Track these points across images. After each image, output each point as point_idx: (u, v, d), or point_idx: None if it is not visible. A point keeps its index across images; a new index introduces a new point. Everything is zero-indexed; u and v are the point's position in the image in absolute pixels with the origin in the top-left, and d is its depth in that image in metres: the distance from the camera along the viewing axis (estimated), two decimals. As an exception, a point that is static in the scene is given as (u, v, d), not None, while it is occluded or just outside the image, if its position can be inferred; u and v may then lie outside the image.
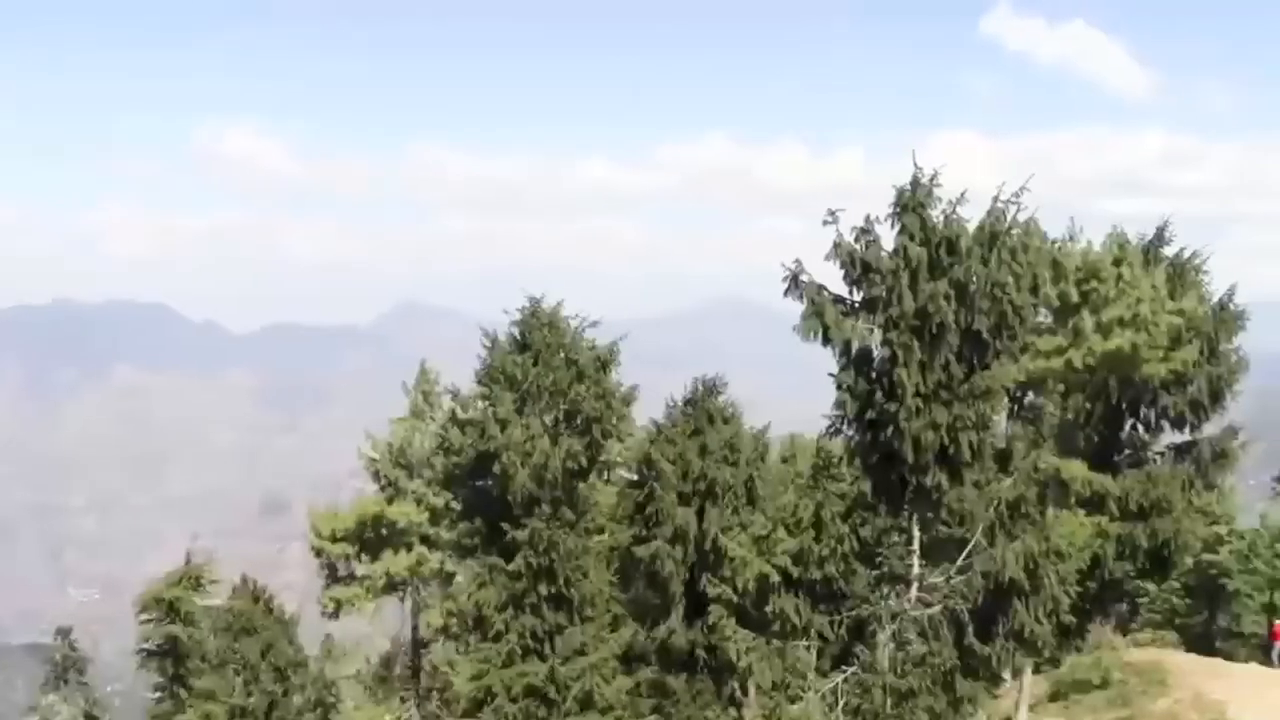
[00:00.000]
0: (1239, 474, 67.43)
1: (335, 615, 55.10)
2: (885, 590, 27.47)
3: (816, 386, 27.04)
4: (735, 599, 32.49)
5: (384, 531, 53.51)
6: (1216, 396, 41.48)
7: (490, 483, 34.73)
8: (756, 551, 29.46)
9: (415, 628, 56.85)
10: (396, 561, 53.04)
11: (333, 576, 55.02)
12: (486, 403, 35.01)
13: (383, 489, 54.37)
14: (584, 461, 34.57)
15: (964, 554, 27.24)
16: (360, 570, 54.83)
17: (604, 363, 35.61)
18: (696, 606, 36.28)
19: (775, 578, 28.20)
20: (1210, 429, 43.03)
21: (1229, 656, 65.90)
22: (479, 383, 35.68)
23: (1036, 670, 43.52)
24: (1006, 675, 33.80)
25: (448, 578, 53.68)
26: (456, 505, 43.66)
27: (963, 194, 26.52)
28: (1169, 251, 42.89)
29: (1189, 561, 70.22)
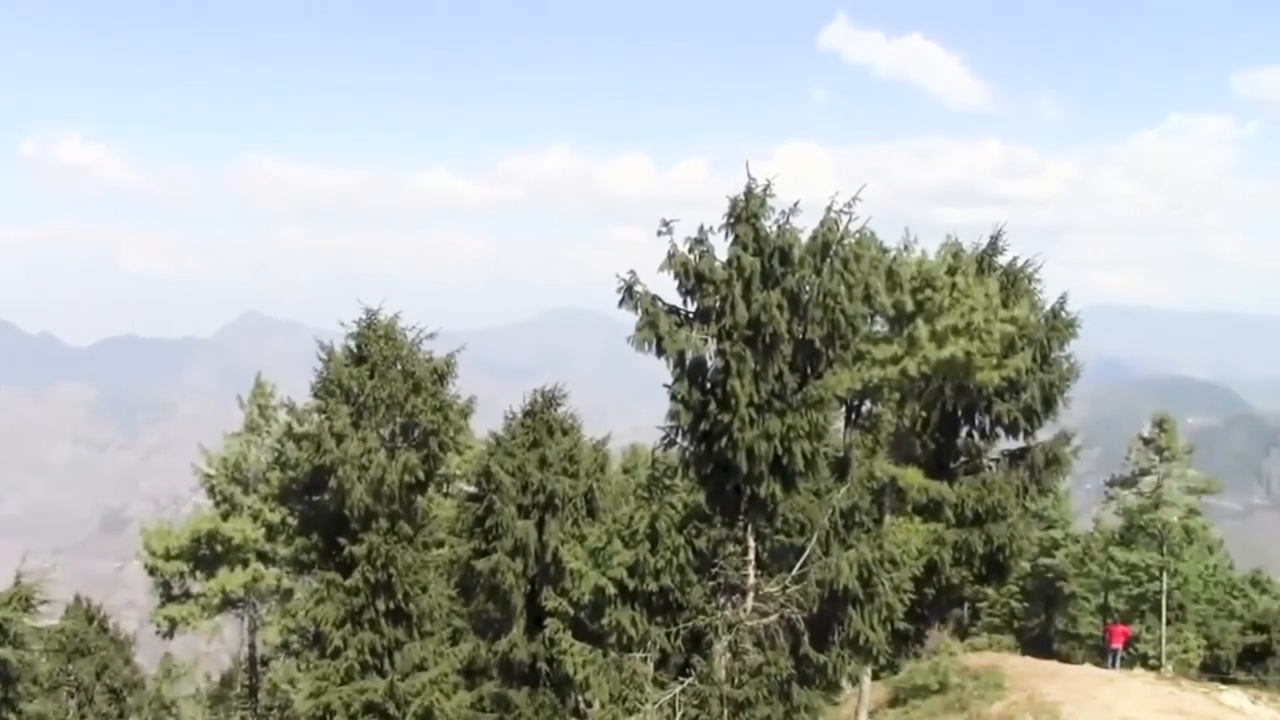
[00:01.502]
0: (1074, 479, 68.81)
1: (170, 635, 54.22)
2: (721, 601, 27.47)
3: (661, 395, 26.99)
4: (572, 612, 32.26)
5: (219, 548, 52.78)
6: (1049, 403, 42.09)
7: (327, 497, 34.12)
8: (593, 564, 29.23)
9: (253, 645, 56.13)
10: (232, 579, 52.31)
11: (167, 595, 54.11)
12: (322, 416, 34.40)
13: (218, 505, 53.65)
14: (422, 475, 34.06)
15: (799, 563, 27.32)
16: (196, 588, 54.02)
17: (441, 374, 35.18)
18: (538, 619, 36.06)
19: (611, 590, 28.01)
20: (1044, 435, 43.65)
21: (1066, 658, 67.44)
22: (315, 396, 35.06)
23: (876, 676, 43.94)
24: (845, 682, 33.96)
25: (285, 594, 53.04)
26: (293, 520, 43.07)
27: (795, 204, 26.60)
28: (1002, 260, 43.48)
29: (1025, 566, 71.73)
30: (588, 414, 44.47)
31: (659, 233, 26.24)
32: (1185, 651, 70.09)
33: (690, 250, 26.42)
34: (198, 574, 53.51)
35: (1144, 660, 66.22)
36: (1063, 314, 43.02)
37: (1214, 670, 69.51)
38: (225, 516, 52.89)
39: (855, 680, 39.86)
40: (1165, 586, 68.70)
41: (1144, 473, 66.79)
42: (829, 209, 26.60)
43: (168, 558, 52.78)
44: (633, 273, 26.55)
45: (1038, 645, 75.78)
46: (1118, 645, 60.96)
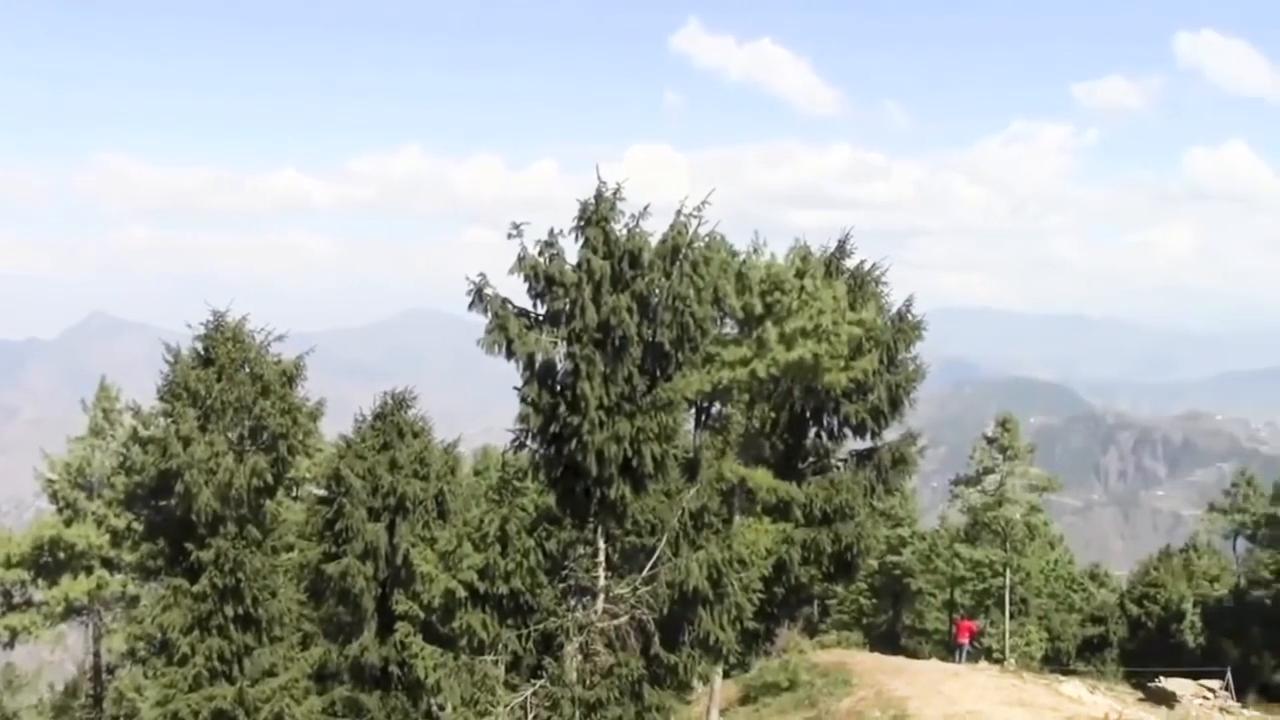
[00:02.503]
0: (920, 478, 69.91)
1: (10, 644, 52.88)
2: (572, 603, 27.52)
3: (514, 398, 26.97)
4: (423, 615, 32.10)
5: (62, 555, 51.55)
6: (896, 403, 42.66)
7: (173, 502, 33.47)
8: (443, 567, 29.10)
9: (98, 654, 55.01)
10: (76, 586, 51.14)
11: (8, 604, 52.80)
12: (168, 420, 33.77)
13: (61, 510, 52.48)
14: (270, 478, 33.60)
15: (650, 564, 27.46)
16: (38, 596, 52.78)
17: (290, 377, 34.72)
18: (389, 623, 35.82)
19: (462, 593, 27.94)
20: (890, 435, 44.25)
21: (914, 653, 68.61)
22: (161, 399, 34.39)
23: (727, 675, 44.29)
24: (696, 682, 34.18)
25: (131, 601, 51.99)
26: (138, 526, 42.32)
27: (646, 207, 26.71)
28: (850, 263, 44.02)
29: (873, 564, 72.90)
30: (440, 416, 44.29)
31: (509, 235, 26.21)
32: (1028, 644, 71.63)
33: (540, 253, 26.42)
34: (39, 582, 52.17)
35: (989, 654, 67.49)
36: (909, 316, 43.63)
37: (1055, 662, 71.21)
38: (68, 522, 51.67)
39: (706, 679, 40.07)
40: (1009, 582, 70.12)
41: (988, 471, 68.12)
42: (679, 212, 26.76)
43: (8, 565, 51.42)
44: (483, 275, 26.51)
45: (886, 641, 76.94)
46: (964, 640, 62.05)
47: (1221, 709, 50.90)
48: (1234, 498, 77.72)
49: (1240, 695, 55.88)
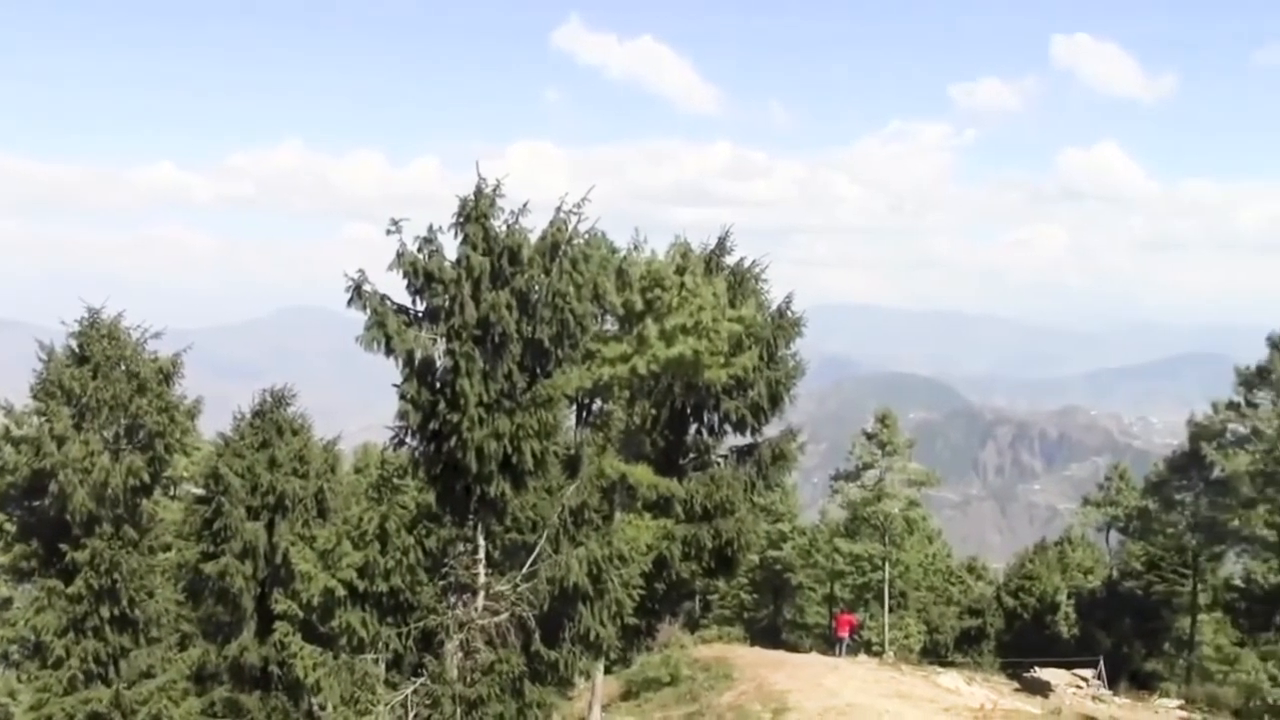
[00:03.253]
0: (801, 473, 70.33)
1: (-122, 650, 51.58)
2: (452, 600, 27.42)
3: (395, 395, 26.81)
4: (302, 614, 31.86)
5: (-73, 558, 50.37)
6: (776, 400, 43.01)
7: (47, 502, 32.99)
8: (323, 565, 28.90)
9: (-33, 659, 53.80)
10: (-56, 589, 50.01)
11: (-126, 608, 51.50)
12: (42, 418, 33.27)
13: (-74, 513, 51.28)
14: (147, 477, 33.18)
15: (530, 561, 27.47)
16: (-97, 601, 51.57)
17: (167, 375, 34.34)
18: (268, 622, 35.52)
19: (341, 591, 27.76)
20: (771, 431, 44.60)
21: (794, 647, 69.18)
22: (34, 397, 33.87)
23: (608, 671, 44.39)
24: (577, 678, 34.24)
25: (4, 603, 50.96)
26: (10, 527, 41.47)
27: (525, 204, 26.69)
28: (730, 260, 44.32)
29: (754, 559, 73.35)
30: (321, 414, 43.97)
31: (388, 232, 26.05)
32: (907, 637, 72.54)
33: (419, 249, 26.28)
34: (-97, 586, 51.10)
35: (868, 647, 68.23)
36: (789, 313, 44.03)
37: (934, 654, 72.19)
38: (-65, 525, 50.66)
39: (587, 675, 40.17)
40: (888, 575, 70.93)
41: (867, 466, 68.90)
42: (558, 209, 26.78)
43: (-125, 568, 50.32)
44: (361, 272, 26.32)
45: (767, 635, 77.47)
46: (844, 633, 62.71)
47: (1094, 697, 51.86)
48: (1107, 491, 79.14)
49: (1112, 684, 56.97)
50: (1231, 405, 59.82)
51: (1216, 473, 60.91)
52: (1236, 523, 58.19)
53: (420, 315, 26.71)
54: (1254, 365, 58.58)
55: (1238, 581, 65.83)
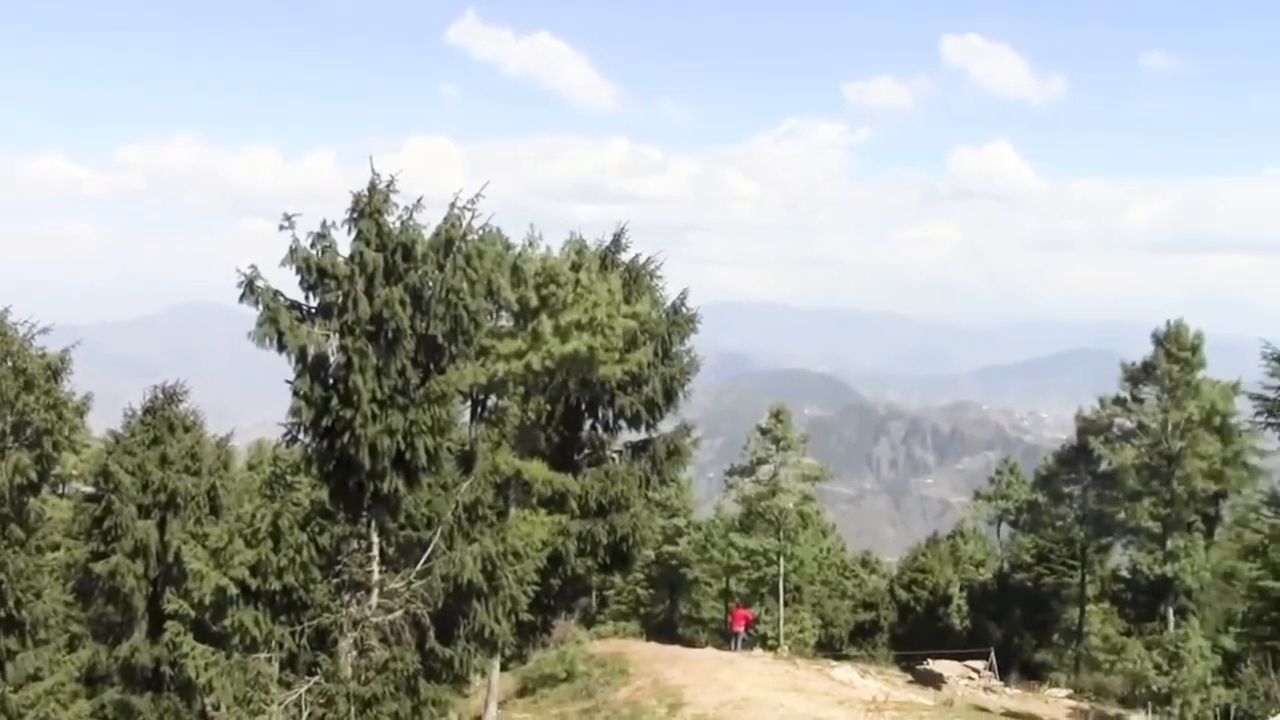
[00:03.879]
0: (696, 468, 70.56)
1: None
2: (346, 598, 27.29)
3: (289, 391, 26.61)
4: (194, 614, 31.53)
5: None
6: (670, 396, 43.25)
7: (-70, 503, 32.45)
8: (214, 564, 28.61)
9: None
10: None
11: None
12: (-76, 416, 32.68)
13: None
14: (35, 475, 32.61)
15: (424, 558, 27.41)
16: None
17: (55, 371, 33.75)
18: (160, 622, 35.06)
19: (233, 590, 27.49)
20: (666, 427, 44.83)
21: (690, 642, 69.38)
22: (-84, 395, 33.24)
23: (504, 668, 44.29)
24: (473, 675, 34.16)
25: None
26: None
27: (419, 200, 26.63)
28: (625, 257, 44.51)
29: (649, 554, 73.42)
30: (216, 410, 43.60)
31: (281, 227, 25.88)
32: (802, 631, 72.87)
33: (312, 245, 26.13)
34: None
35: (764, 641, 68.55)
36: (683, 309, 44.31)
37: (828, 647, 72.71)
38: None
39: (483, 672, 40.13)
40: (783, 570, 71.31)
41: (762, 462, 69.18)
42: (453, 205, 26.73)
43: None
44: (254, 267, 26.11)
45: (663, 630, 77.59)
46: (739, 628, 63.00)
47: (986, 688, 52.60)
48: (998, 485, 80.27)
49: (1003, 674, 57.84)
50: (1118, 400, 60.83)
51: (1104, 466, 61.91)
52: (1123, 515, 59.17)
53: (313, 311, 26.54)
54: (1140, 361, 59.63)
55: (1124, 573, 66.84)
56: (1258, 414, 40.66)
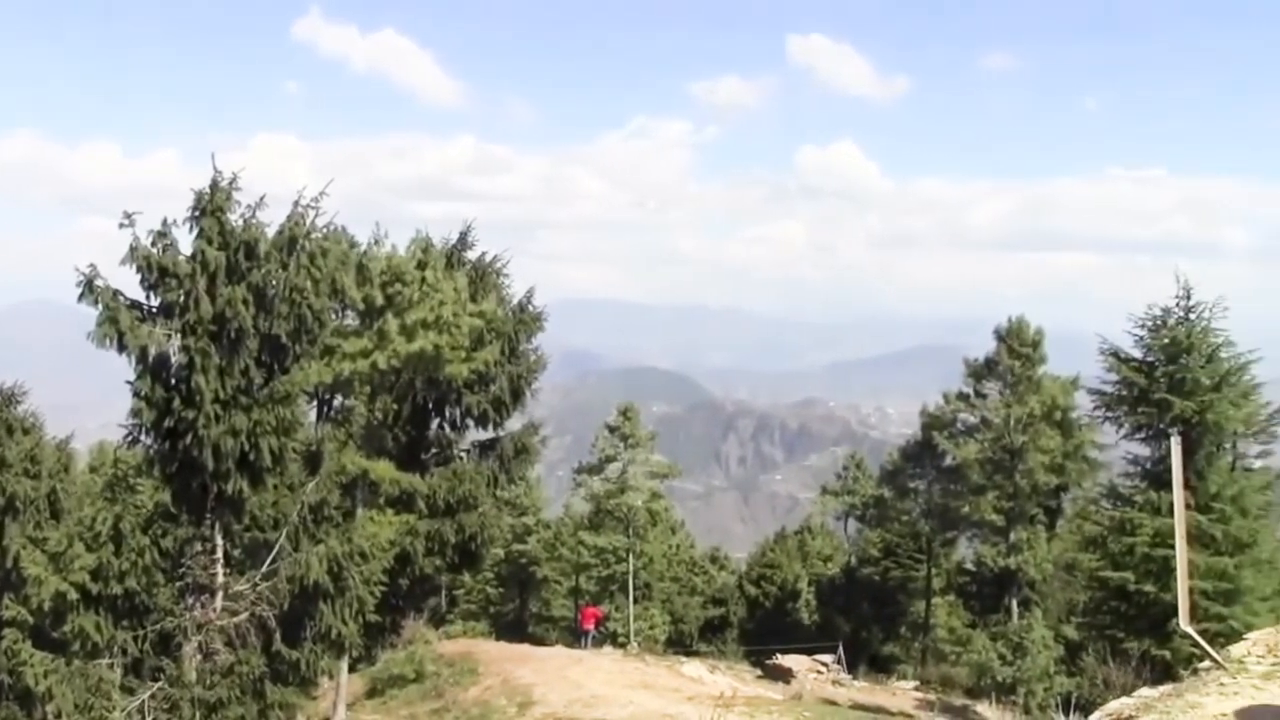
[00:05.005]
0: (546, 467, 70.53)
1: None
2: (190, 601, 26.96)
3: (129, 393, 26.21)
4: (33, 620, 30.89)
5: None
6: (517, 394, 43.27)
7: None
8: (54, 568, 28.07)
9: None
10: None
11: None
12: None
13: None
14: None
15: (269, 560, 27.18)
16: None
17: (-115, 373, 32.96)
18: (-1, 631, 34.36)
19: (74, 595, 26.99)
20: (513, 425, 44.84)
21: (540, 640, 69.34)
22: None
23: (353, 669, 43.97)
24: (322, 677, 33.89)
25: None
26: None
27: (263, 198, 26.43)
28: (472, 255, 44.45)
29: (499, 553, 73.37)
30: (58, 411, 42.82)
31: (121, 225, 25.52)
32: (651, 628, 73.25)
33: (153, 244, 25.79)
34: None
35: (614, 638, 68.79)
36: (530, 307, 44.35)
37: (678, 644, 73.14)
38: None
39: (331, 674, 39.82)
40: (632, 567, 71.62)
41: (610, 459, 69.46)
42: (297, 203, 26.58)
43: None
44: (93, 266, 25.72)
45: (513, 629, 77.60)
46: (589, 626, 63.16)
47: (834, 682, 53.37)
48: (845, 480, 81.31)
49: (851, 668, 58.76)
50: (961, 396, 62.17)
51: (948, 461, 63.25)
52: (967, 509, 60.53)
53: (154, 311, 26.20)
54: (982, 357, 60.97)
55: (969, 565, 68.33)
56: (1096, 408, 41.70)
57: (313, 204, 26.53)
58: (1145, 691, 11.93)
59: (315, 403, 41.05)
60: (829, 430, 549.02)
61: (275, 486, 27.44)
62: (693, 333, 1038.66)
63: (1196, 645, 12.89)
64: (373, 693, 47.71)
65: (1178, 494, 12.93)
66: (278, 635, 27.20)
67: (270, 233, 26.34)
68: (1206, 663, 11.98)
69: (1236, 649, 12.64)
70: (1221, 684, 11.06)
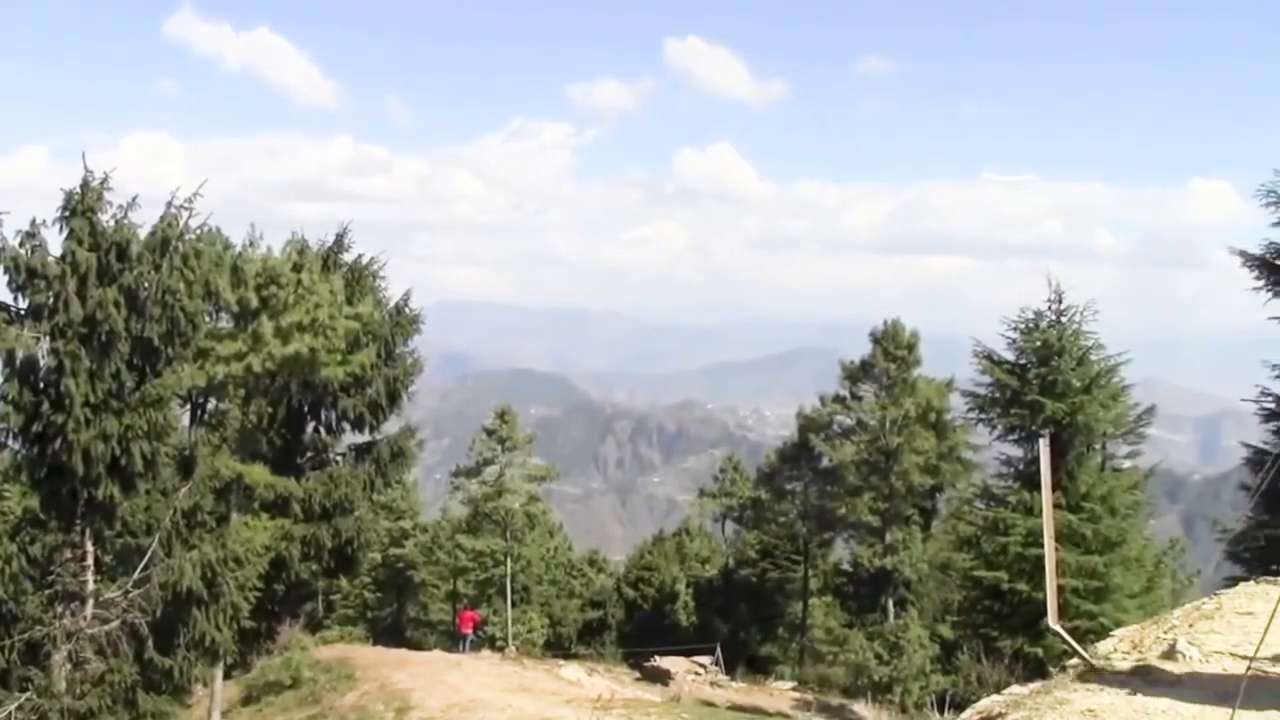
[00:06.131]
0: (424, 470, 70.20)
1: None
2: (60, 609, 26.45)
3: None
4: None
5: None
6: (394, 397, 43.04)
7: None
8: (-84, 579, 27.48)
9: None
10: None
11: None
12: None
13: None
14: None
15: (142, 566, 26.76)
16: None
17: None
18: None
19: (-64, 605, 26.44)
20: (390, 428, 44.60)
21: (419, 645, 68.98)
22: None
23: (228, 676, 43.47)
24: (196, 685, 33.42)
25: None
26: None
27: (135, 198, 26.03)
28: (348, 257, 44.13)
29: (376, 557, 72.93)
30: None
31: (-15, 226, 25.01)
32: (530, 631, 73.15)
33: (21, 244, 25.28)
34: None
35: (492, 642, 68.63)
36: (407, 309, 44.16)
37: (557, 647, 73.11)
38: None
39: (205, 682, 39.27)
40: (510, 570, 71.47)
41: (488, 462, 69.29)
42: (169, 204, 26.21)
43: None
44: (-44, 271, 25.18)
45: (391, 634, 77.08)
46: (467, 630, 63.08)
47: (712, 683, 53.52)
48: (722, 482, 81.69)
49: (730, 669, 58.99)
50: (838, 398, 62.80)
51: (825, 463, 63.88)
52: (844, 510, 61.16)
53: (22, 313, 25.68)
54: (858, 360, 61.66)
55: (846, 566, 68.88)
56: (970, 410, 42.23)
57: (186, 204, 26.19)
58: (1016, 689, 12.10)
59: (189, 406, 40.50)
60: (707, 432, 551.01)
61: (147, 491, 27.03)
62: (571, 335, 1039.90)
63: (1066, 643, 13.12)
64: (248, 700, 47.18)
65: (1046, 494, 13.08)
66: (150, 643, 26.79)
67: (143, 234, 25.95)
68: (1076, 660, 12.18)
69: (1104, 646, 12.85)
70: (1088, 681, 11.28)
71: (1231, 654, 11.43)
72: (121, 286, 25.31)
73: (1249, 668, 9.58)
